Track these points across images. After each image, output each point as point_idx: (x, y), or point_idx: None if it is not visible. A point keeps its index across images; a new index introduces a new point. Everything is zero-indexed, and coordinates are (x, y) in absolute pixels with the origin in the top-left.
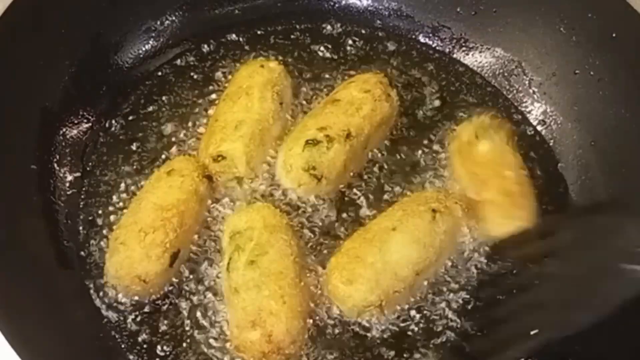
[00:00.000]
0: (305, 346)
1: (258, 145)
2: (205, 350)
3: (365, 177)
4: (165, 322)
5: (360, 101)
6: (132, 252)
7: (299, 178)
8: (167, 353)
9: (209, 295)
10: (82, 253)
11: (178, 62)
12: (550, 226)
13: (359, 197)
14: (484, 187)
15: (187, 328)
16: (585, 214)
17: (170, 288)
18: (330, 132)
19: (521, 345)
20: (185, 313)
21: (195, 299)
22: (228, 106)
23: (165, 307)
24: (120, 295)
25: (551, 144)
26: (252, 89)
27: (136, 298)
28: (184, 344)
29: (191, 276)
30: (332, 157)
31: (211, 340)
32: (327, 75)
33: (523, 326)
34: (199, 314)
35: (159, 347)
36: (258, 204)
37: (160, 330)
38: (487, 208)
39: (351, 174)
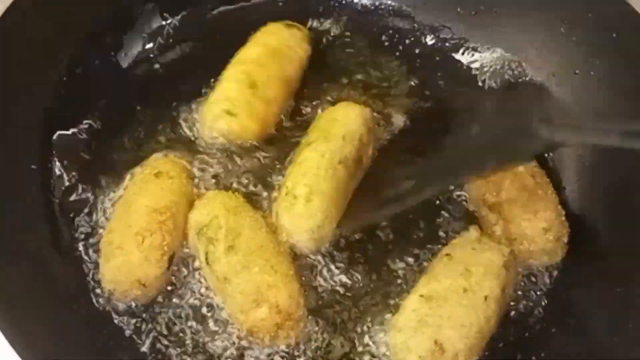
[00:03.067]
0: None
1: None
2: (211, 345)
3: None
4: (166, 322)
5: None
6: (131, 257)
7: None
8: (170, 353)
9: (208, 292)
10: (83, 253)
11: (178, 62)
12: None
13: None
14: (500, 187)
15: (188, 326)
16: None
17: (169, 289)
18: None
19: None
20: (185, 312)
21: (193, 297)
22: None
23: (165, 308)
24: (117, 299)
25: None
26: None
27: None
28: (187, 342)
29: (186, 276)
30: None
31: (216, 336)
32: None
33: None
34: (198, 311)
35: (161, 347)
36: (209, 193)
37: (162, 331)
38: (509, 208)
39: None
